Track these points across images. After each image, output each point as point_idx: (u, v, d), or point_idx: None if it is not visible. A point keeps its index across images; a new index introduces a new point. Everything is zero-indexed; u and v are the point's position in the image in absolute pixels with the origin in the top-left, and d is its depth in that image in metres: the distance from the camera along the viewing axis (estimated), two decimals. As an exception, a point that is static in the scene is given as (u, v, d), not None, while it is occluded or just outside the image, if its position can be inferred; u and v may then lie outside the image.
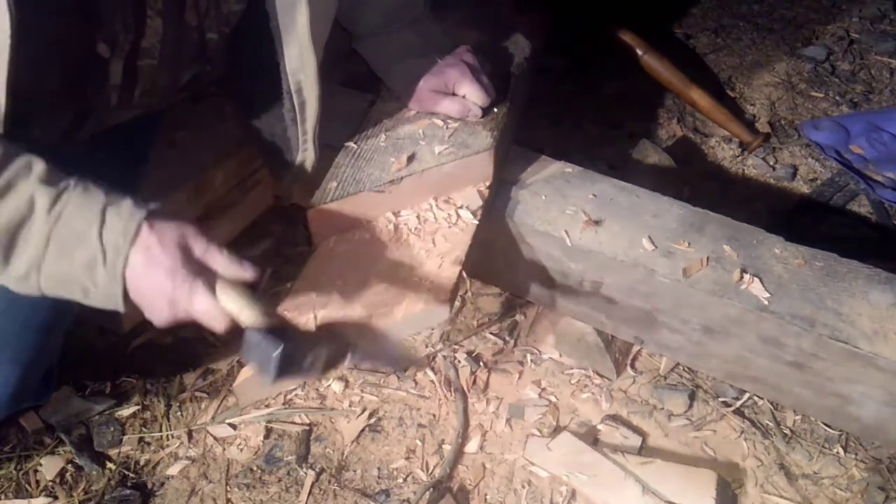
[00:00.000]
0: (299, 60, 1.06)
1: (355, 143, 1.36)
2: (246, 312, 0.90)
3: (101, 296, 0.88)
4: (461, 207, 1.30)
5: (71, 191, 0.87)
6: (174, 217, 0.91)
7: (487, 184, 1.34)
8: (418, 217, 1.29)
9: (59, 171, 0.87)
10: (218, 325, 0.89)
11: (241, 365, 1.48)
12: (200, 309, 0.88)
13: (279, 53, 1.06)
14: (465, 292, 1.59)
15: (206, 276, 0.89)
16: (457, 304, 1.54)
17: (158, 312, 0.89)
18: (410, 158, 1.30)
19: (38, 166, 0.86)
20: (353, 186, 1.27)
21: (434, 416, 1.41)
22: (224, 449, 1.37)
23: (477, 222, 1.28)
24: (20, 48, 0.84)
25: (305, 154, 1.21)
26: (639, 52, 2.08)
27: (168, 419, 1.41)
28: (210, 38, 1.10)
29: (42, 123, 0.98)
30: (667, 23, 2.47)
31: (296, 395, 1.44)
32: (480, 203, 1.30)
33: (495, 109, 1.39)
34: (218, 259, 0.90)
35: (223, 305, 0.90)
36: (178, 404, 1.43)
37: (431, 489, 1.28)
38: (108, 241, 0.86)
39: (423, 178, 1.29)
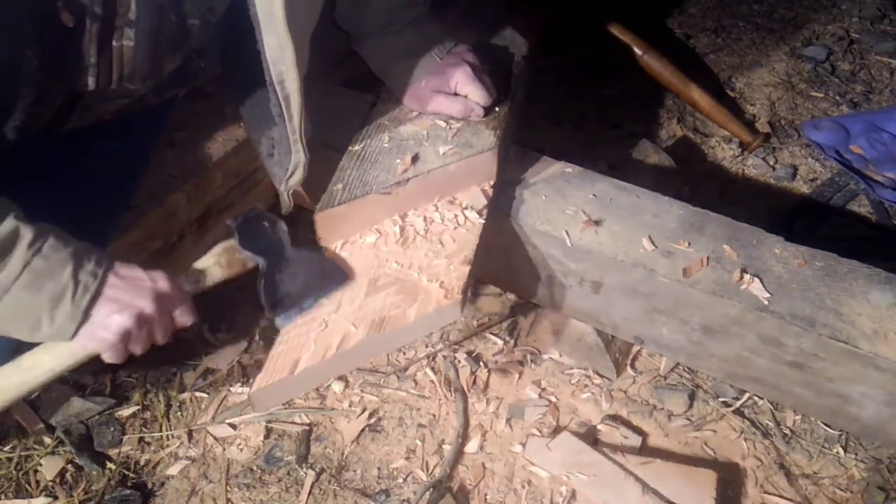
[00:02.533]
0: (279, 50, 1.06)
1: (358, 145, 1.35)
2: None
3: (51, 331, 0.96)
4: (466, 208, 1.30)
5: (49, 231, 0.95)
6: (141, 266, 1.03)
7: (491, 183, 1.34)
8: (424, 219, 1.29)
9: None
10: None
11: (241, 365, 1.48)
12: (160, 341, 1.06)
13: (260, 42, 1.06)
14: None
15: (167, 318, 1.04)
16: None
17: (113, 350, 1.01)
18: (415, 159, 1.30)
19: (17, 209, 0.94)
20: (359, 189, 1.26)
21: (434, 416, 1.41)
22: (224, 449, 1.37)
23: (483, 221, 1.28)
24: None
25: (298, 157, 1.20)
26: (638, 52, 2.07)
27: (168, 419, 1.41)
28: (192, 24, 1.09)
29: (29, 107, 0.98)
30: (667, 23, 2.47)
31: (296, 395, 1.44)
32: (485, 202, 1.30)
33: (497, 109, 1.39)
34: (179, 306, 1.05)
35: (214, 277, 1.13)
36: (178, 404, 1.43)
37: (431, 489, 1.28)
38: (80, 279, 0.96)
39: (428, 178, 1.28)
